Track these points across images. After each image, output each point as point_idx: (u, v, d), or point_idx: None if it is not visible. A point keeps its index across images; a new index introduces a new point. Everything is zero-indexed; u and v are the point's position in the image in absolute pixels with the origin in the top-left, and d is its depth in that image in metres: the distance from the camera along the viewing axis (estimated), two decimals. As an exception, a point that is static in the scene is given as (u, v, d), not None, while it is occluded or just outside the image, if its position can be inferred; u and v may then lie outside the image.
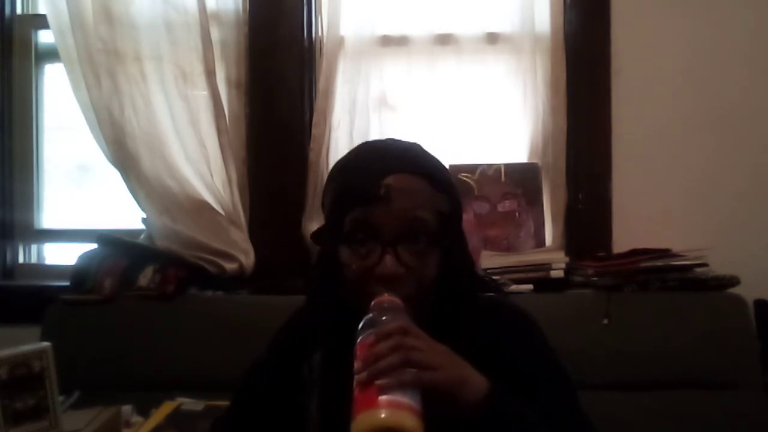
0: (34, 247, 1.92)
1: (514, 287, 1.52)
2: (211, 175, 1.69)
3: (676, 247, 1.54)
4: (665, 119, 1.71)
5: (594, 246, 1.66)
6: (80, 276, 1.61)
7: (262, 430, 0.93)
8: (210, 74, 1.66)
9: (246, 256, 1.68)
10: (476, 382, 0.70)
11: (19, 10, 1.90)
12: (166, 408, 1.35)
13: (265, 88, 1.77)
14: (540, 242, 1.69)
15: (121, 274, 1.60)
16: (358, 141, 1.58)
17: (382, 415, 0.61)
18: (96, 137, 1.69)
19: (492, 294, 1.07)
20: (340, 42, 1.73)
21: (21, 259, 1.90)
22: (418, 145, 0.88)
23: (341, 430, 0.64)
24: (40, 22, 1.80)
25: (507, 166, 1.70)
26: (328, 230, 0.85)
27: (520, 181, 1.69)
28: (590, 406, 0.84)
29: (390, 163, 0.81)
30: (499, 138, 1.74)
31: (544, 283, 1.56)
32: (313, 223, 1.68)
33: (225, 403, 1.01)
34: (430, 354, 0.68)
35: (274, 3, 1.76)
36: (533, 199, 1.69)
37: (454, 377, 0.68)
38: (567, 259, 1.60)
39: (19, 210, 1.87)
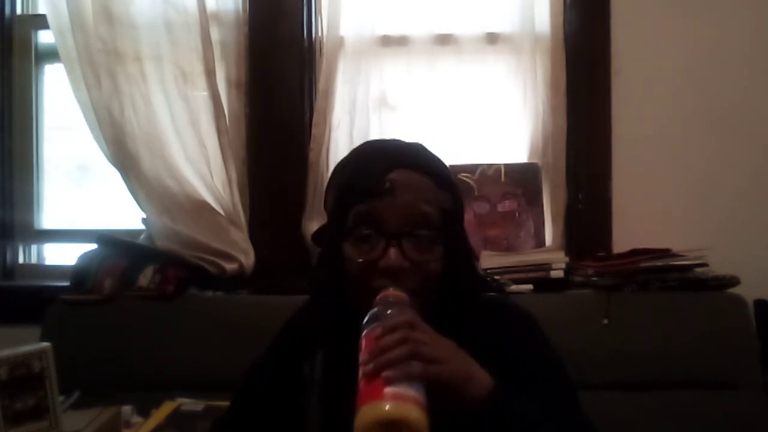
0: (34, 247, 1.92)
1: (514, 287, 1.52)
2: (211, 175, 1.69)
3: (676, 247, 1.54)
4: (665, 119, 1.71)
5: (594, 246, 1.66)
6: (80, 276, 1.61)
7: (262, 431, 0.93)
8: (210, 74, 1.66)
9: (246, 256, 1.68)
10: (481, 378, 0.70)
11: (19, 10, 1.90)
12: (166, 408, 1.35)
13: (265, 88, 1.77)
14: (540, 242, 1.69)
15: (121, 274, 1.60)
16: (358, 141, 1.59)
17: (387, 407, 0.61)
18: (96, 137, 1.69)
19: (493, 293, 1.07)
20: (340, 42, 1.73)
21: (21, 259, 1.90)
22: (421, 144, 0.89)
23: (342, 430, 0.64)
24: (40, 22, 1.80)
25: (507, 166, 1.70)
26: (331, 227, 0.85)
27: (520, 181, 1.69)
28: (590, 406, 0.84)
29: (394, 159, 0.82)
30: (499, 138, 1.74)
31: (544, 283, 1.56)
32: (313, 223, 1.68)
33: (225, 403, 1.01)
34: (437, 348, 0.68)
35: (274, 3, 1.76)
36: (533, 199, 1.69)
37: (460, 372, 0.68)
38: (567, 259, 1.60)
39: (19, 210, 1.87)
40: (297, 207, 1.73)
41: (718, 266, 1.52)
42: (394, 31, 1.74)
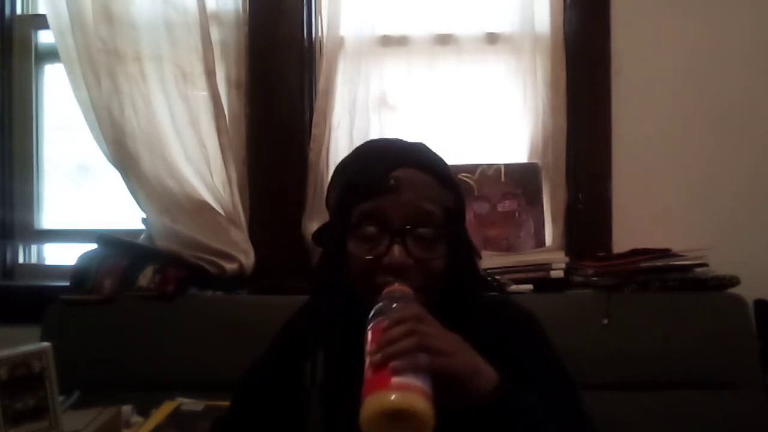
0: (34, 247, 1.92)
1: (514, 287, 1.52)
2: (211, 175, 1.69)
3: (676, 247, 1.54)
4: (665, 119, 1.71)
5: (594, 246, 1.66)
6: (80, 276, 1.60)
7: (262, 431, 0.93)
8: (210, 74, 1.66)
9: (246, 256, 1.68)
10: (487, 372, 0.70)
11: (19, 10, 1.90)
12: (166, 408, 1.35)
13: (265, 88, 1.77)
14: (540, 242, 1.69)
15: (121, 274, 1.60)
16: (358, 141, 1.59)
17: (394, 397, 0.61)
18: (96, 137, 1.69)
19: (494, 293, 1.07)
20: (340, 42, 1.73)
21: (21, 259, 1.90)
22: (424, 144, 0.90)
23: (343, 430, 0.64)
24: (40, 22, 1.80)
25: (507, 166, 1.70)
26: (334, 225, 0.85)
27: (520, 181, 1.70)
28: (590, 406, 0.84)
29: (397, 158, 0.83)
30: (499, 138, 1.74)
31: (544, 283, 1.56)
32: (313, 223, 1.68)
33: (225, 403, 1.01)
34: (444, 341, 0.69)
35: (274, 3, 1.76)
36: (533, 199, 1.69)
37: (466, 365, 0.69)
38: (567, 259, 1.60)
39: (19, 210, 1.87)
40: (297, 207, 1.72)
41: (718, 266, 1.52)
42: (394, 31, 1.74)
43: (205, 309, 1.57)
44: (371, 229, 0.80)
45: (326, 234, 0.89)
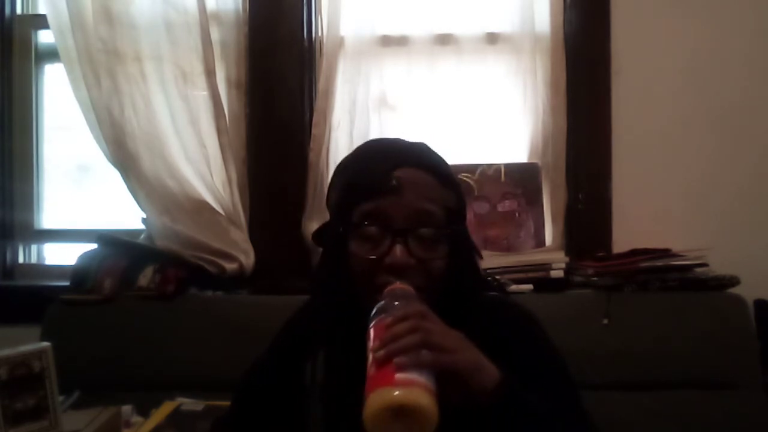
0: (34, 247, 1.92)
1: (514, 287, 1.52)
2: (211, 175, 1.69)
3: (676, 247, 1.54)
4: (665, 119, 1.71)
5: (594, 246, 1.66)
6: (80, 276, 1.60)
7: (262, 431, 0.93)
8: (210, 74, 1.66)
9: (246, 256, 1.68)
10: (490, 370, 0.70)
11: (19, 10, 1.90)
12: (166, 408, 1.35)
13: (265, 88, 1.77)
14: (540, 242, 1.69)
15: (121, 274, 1.60)
16: (358, 141, 1.59)
17: (398, 393, 0.61)
18: (96, 137, 1.69)
19: (495, 293, 1.07)
20: (340, 42, 1.73)
21: (21, 259, 1.90)
22: (425, 144, 0.90)
23: (344, 430, 0.64)
24: (40, 22, 1.80)
25: (507, 166, 1.70)
26: (334, 224, 0.85)
27: (520, 181, 1.69)
28: (590, 406, 0.84)
29: (399, 158, 0.83)
30: (499, 138, 1.74)
31: (544, 283, 1.56)
32: (313, 223, 1.68)
33: (225, 403, 1.01)
34: (447, 338, 0.69)
35: (274, 3, 1.76)
36: (533, 199, 1.69)
37: (469, 362, 0.69)
38: (567, 259, 1.60)
39: (19, 210, 1.87)
40: (297, 207, 1.72)
41: (718, 266, 1.52)
42: (394, 31, 1.74)
43: (205, 309, 1.57)
44: (373, 229, 0.80)
45: (327, 234, 0.89)
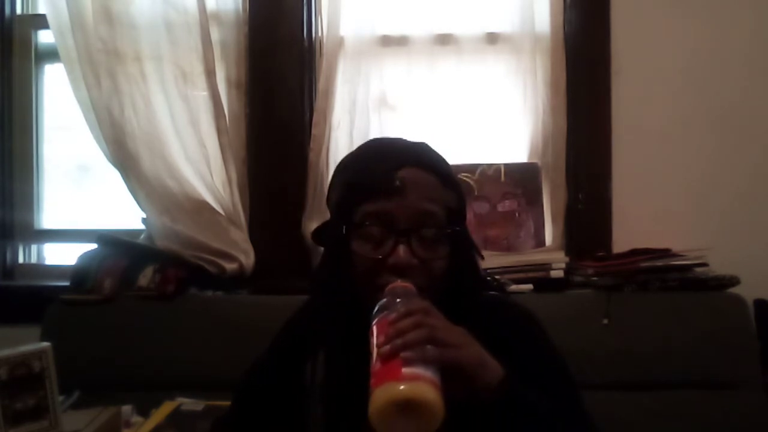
0: (34, 247, 1.92)
1: (513, 287, 1.52)
2: (211, 175, 1.69)
3: (676, 247, 1.54)
4: (665, 119, 1.71)
5: (594, 246, 1.66)
6: (80, 276, 1.60)
7: (262, 431, 0.93)
8: (210, 74, 1.66)
9: (246, 256, 1.68)
10: (493, 365, 0.71)
11: (19, 10, 1.90)
12: (166, 408, 1.35)
13: (265, 88, 1.77)
14: (540, 242, 1.69)
15: (121, 274, 1.60)
16: (358, 141, 1.59)
17: (404, 387, 0.61)
18: (96, 137, 1.69)
19: (495, 293, 1.07)
20: (340, 42, 1.73)
21: (21, 259, 1.90)
22: (425, 143, 0.90)
23: (344, 430, 0.64)
24: (40, 22, 1.80)
25: (507, 166, 1.70)
26: (335, 224, 0.85)
27: (520, 181, 1.69)
28: (590, 406, 0.84)
29: (401, 157, 0.83)
30: (499, 138, 1.74)
31: (544, 283, 1.56)
32: (314, 223, 1.68)
33: (225, 403, 1.01)
34: (451, 334, 0.69)
35: (274, 3, 1.76)
36: (533, 199, 1.69)
37: (473, 357, 0.69)
38: (567, 259, 1.60)
39: (19, 210, 1.87)
40: (297, 207, 1.72)
41: (718, 266, 1.52)
42: (394, 31, 1.74)
43: (205, 309, 1.57)
44: (375, 230, 0.80)
45: (327, 233, 0.89)
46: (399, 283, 0.76)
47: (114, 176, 1.69)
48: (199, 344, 1.51)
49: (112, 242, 1.66)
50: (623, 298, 1.49)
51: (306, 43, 1.78)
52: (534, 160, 1.72)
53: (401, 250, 0.79)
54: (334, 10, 1.71)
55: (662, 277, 1.50)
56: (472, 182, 1.68)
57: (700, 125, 1.70)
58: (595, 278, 1.52)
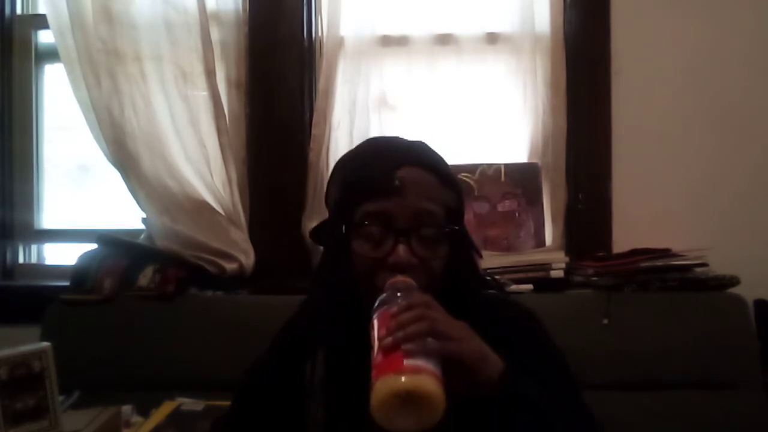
0: (34, 247, 1.92)
1: (513, 287, 1.53)
2: (211, 175, 1.69)
3: (676, 247, 1.54)
4: (665, 119, 1.71)
5: (594, 246, 1.66)
6: (80, 276, 1.61)
7: (262, 431, 0.93)
8: (210, 74, 1.66)
9: (246, 256, 1.68)
10: (494, 359, 0.71)
11: (19, 10, 1.90)
12: (166, 408, 1.35)
13: (265, 88, 1.77)
14: (540, 242, 1.69)
15: (121, 274, 1.60)
16: (358, 141, 1.56)
17: (405, 379, 0.61)
18: (96, 137, 1.69)
19: (495, 292, 1.07)
20: (340, 42, 1.73)
21: (21, 259, 1.90)
22: (424, 142, 0.90)
23: (345, 429, 0.64)
24: (40, 22, 1.80)
25: (507, 166, 1.70)
26: (334, 223, 0.85)
27: (520, 181, 1.69)
28: (590, 406, 0.84)
29: (401, 157, 0.83)
30: (499, 138, 1.74)
31: (544, 283, 1.56)
32: (313, 223, 1.66)
33: (225, 403, 1.01)
34: (453, 327, 0.70)
35: (274, 3, 1.76)
36: (533, 199, 1.69)
37: (474, 351, 0.70)
38: (567, 259, 1.60)
39: (19, 210, 1.87)
40: (297, 207, 1.72)
41: (718, 266, 1.52)
42: (394, 31, 1.74)
43: (205, 309, 1.57)
44: (375, 229, 0.81)
45: (326, 232, 0.89)
46: (400, 278, 0.77)
47: (114, 176, 1.69)
48: (199, 344, 1.51)
49: (112, 242, 1.66)
50: (623, 298, 1.49)
51: (306, 43, 1.78)
52: (534, 160, 1.72)
53: (401, 249, 0.79)
54: (334, 10, 1.71)
55: (662, 277, 1.50)
56: (472, 182, 1.68)
57: (700, 125, 1.70)
58: (595, 278, 1.52)
